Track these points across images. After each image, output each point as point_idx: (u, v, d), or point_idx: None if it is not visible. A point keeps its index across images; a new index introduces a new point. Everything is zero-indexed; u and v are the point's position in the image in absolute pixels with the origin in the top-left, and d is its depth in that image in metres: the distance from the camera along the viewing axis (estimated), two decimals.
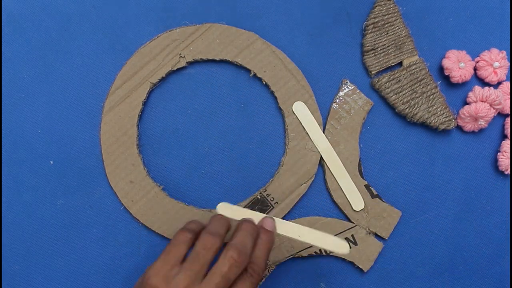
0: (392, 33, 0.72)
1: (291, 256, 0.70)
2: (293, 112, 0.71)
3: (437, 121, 0.71)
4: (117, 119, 0.69)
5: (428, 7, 0.75)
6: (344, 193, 0.71)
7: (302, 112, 0.71)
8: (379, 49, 0.72)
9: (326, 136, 0.71)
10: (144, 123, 0.71)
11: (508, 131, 0.73)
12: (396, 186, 0.73)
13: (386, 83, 0.72)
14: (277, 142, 0.72)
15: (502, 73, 0.73)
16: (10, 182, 0.70)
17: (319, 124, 0.71)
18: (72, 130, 0.71)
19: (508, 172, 0.73)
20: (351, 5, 0.74)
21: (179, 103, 0.72)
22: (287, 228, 0.64)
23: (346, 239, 0.70)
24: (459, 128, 0.74)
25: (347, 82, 0.72)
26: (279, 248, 0.70)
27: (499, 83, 0.74)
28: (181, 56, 0.70)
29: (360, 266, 0.71)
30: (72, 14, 0.72)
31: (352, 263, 0.72)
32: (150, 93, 0.71)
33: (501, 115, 0.74)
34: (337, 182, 0.71)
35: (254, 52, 0.71)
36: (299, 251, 0.70)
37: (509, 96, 0.73)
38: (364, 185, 0.71)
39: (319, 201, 0.72)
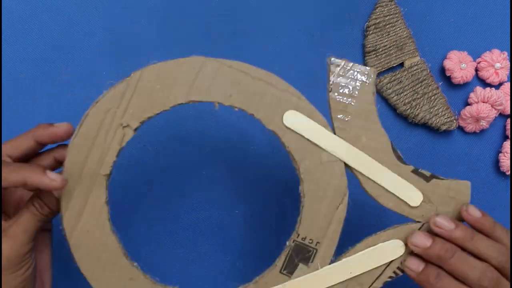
0: (394, 34, 0.73)
1: None
2: (287, 127, 0.55)
3: (438, 122, 0.72)
4: (87, 235, 0.54)
5: (430, 8, 0.76)
6: (392, 193, 0.56)
7: (298, 121, 0.55)
8: (380, 50, 0.73)
9: (338, 136, 0.56)
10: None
11: (509, 132, 0.73)
12: None
13: (387, 84, 0.72)
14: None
15: (504, 74, 0.74)
16: None
17: (324, 126, 0.55)
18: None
19: (509, 173, 0.73)
20: (352, 6, 0.75)
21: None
22: (333, 273, 0.56)
23: None
24: (460, 129, 0.75)
25: (334, 60, 0.56)
26: None
27: (500, 84, 0.74)
28: (124, 126, 0.54)
29: None
30: (73, 15, 0.73)
31: None
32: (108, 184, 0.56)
33: (502, 116, 0.75)
34: (378, 184, 0.56)
35: (208, 78, 0.55)
36: (371, 286, 0.56)
37: (510, 97, 0.73)
38: (411, 171, 0.56)
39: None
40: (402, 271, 0.56)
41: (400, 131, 0.74)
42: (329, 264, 0.55)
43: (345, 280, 0.55)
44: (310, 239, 0.55)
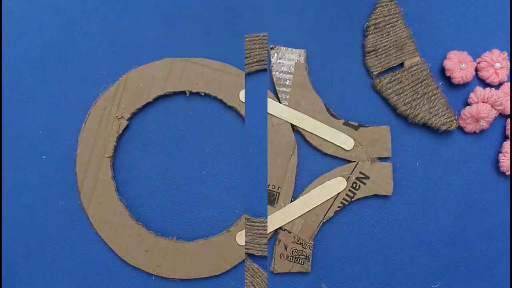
0: (394, 34, 0.73)
1: (321, 224, 0.71)
2: (243, 102, 0.71)
3: (438, 122, 0.71)
4: (100, 205, 0.70)
5: (429, 8, 0.75)
6: (330, 141, 0.71)
7: None
8: (380, 50, 0.72)
9: (283, 104, 0.71)
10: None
11: (509, 132, 0.73)
12: (398, 187, 0.73)
13: (387, 84, 0.72)
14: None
15: (503, 74, 0.73)
16: (12, 183, 0.71)
17: (271, 98, 0.71)
18: (74, 131, 0.71)
19: (509, 173, 0.73)
20: (352, 6, 0.74)
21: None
22: (294, 209, 0.70)
23: (357, 178, 0.71)
24: (460, 129, 0.74)
25: (272, 47, 0.72)
26: (306, 223, 0.71)
27: (500, 84, 0.74)
28: (119, 118, 0.70)
29: (384, 193, 0.71)
30: (73, 15, 0.73)
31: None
32: (113, 164, 0.71)
33: (502, 116, 0.74)
34: (318, 136, 0.71)
35: (178, 73, 0.70)
36: (325, 215, 0.71)
37: (510, 97, 0.73)
38: (343, 123, 0.71)
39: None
40: (348, 201, 0.71)
41: (400, 131, 0.73)
42: (290, 202, 0.71)
43: (304, 213, 0.70)
44: (273, 185, 0.70)
